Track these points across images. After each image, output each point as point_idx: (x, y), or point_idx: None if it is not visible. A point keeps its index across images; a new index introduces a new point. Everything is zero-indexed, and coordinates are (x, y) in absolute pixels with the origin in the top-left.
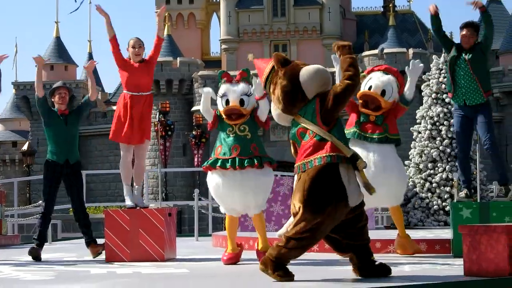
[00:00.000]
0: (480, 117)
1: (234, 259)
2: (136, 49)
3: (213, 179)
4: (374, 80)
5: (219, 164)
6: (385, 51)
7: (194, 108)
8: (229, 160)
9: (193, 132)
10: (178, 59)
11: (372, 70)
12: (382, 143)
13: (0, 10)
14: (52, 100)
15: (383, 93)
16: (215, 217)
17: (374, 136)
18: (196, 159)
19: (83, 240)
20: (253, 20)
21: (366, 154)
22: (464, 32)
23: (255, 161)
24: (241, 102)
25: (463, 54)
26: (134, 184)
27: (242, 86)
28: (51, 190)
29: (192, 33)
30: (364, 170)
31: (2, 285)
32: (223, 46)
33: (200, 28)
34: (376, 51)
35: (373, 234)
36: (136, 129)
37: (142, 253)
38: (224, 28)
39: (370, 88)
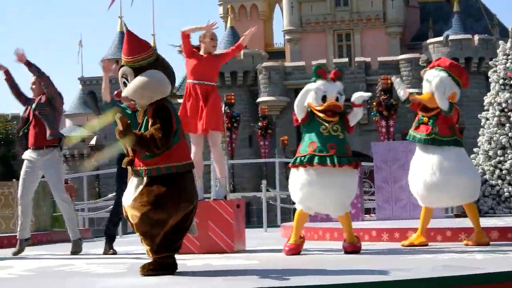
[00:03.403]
0: None
1: (295, 250)
2: (214, 41)
3: (304, 176)
4: (426, 79)
5: (316, 160)
6: (450, 38)
7: (259, 100)
8: (327, 157)
9: (259, 123)
10: (242, 51)
11: (432, 66)
12: (433, 144)
13: (65, 6)
14: (116, 98)
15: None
16: (284, 208)
17: (421, 136)
18: (262, 150)
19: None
20: (316, 10)
21: (427, 155)
22: None
23: (352, 161)
24: (336, 100)
25: None
26: (218, 175)
27: (339, 84)
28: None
29: (255, 25)
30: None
31: (75, 278)
32: (287, 37)
33: (262, 19)
34: (440, 39)
35: (443, 223)
36: (204, 117)
37: (212, 245)
38: (287, 19)
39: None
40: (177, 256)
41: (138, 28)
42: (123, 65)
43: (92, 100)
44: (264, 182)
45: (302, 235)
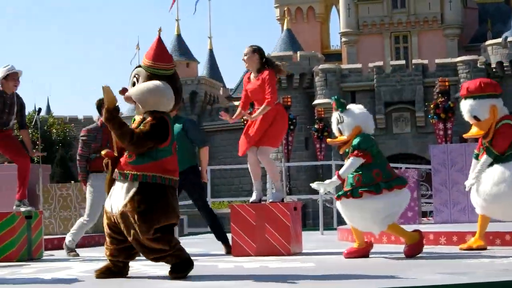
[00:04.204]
0: None
1: (354, 254)
2: (245, 57)
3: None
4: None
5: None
6: (508, 39)
7: (315, 102)
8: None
9: (315, 126)
10: (298, 53)
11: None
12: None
13: (123, 10)
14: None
15: (476, 118)
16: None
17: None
18: (318, 153)
19: (209, 235)
20: (373, 12)
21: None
22: None
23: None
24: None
25: None
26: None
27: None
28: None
29: (312, 27)
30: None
31: (133, 280)
32: (343, 39)
33: (319, 21)
34: (499, 40)
35: (502, 227)
36: (247, 135)
37: (268, 247)
38: (343, 21)
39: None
40: (234, 259)
41: (195, 31)
42: (140, 66)
43: None
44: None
45: (366, 240)
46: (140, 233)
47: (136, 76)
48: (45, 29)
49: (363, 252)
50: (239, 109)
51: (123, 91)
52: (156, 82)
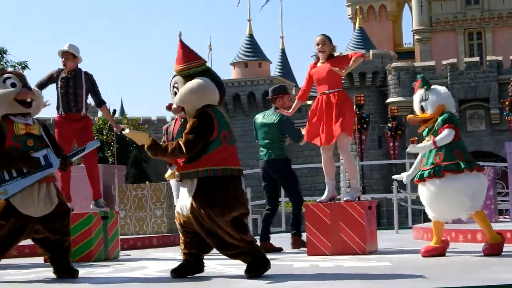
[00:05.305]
0: None
1: (432, 252)
2: (320, 46)
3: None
4: None
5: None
6: None
7: (388, 100)
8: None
9: (389, 124)
10: (371, 51)
11: None
12: None
13: (196, 11)
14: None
15: None
16: (414, 209)
17: None
18: (391, 151)
19: (284, 234)
20: (446, 8)
21: None
22: None
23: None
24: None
25: None
26: (349, 177)
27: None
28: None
29: (384, 25)
30: None
31: (209, 279)
32: (416, 37)
33: (391, 19)
34: None
35: None
36: (326, 128)
37: (343, 246)
38: (416, 18)
39: None
40: (309, 258)
41: (267, 31)
42: (174, 75)
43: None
44: (395, 183)
45: (444, 238)
46: (213, 227)
47: (175, 86)
48: (118, 30)
49: (440, 250)
50: (296, 101)
51: (169, 106)
52: (193, 81)
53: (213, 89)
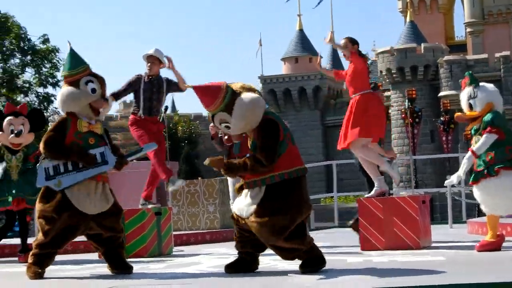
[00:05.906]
0: None
1: (487, 247)
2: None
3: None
4: None
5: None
6: None
7: (440, 94)
8: None
9: (441, 118)
10: (422, 45)
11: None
12: None
13: (246, 8)
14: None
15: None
16: (468, 203)
17: None
18: (444, 145)
19: (336, 229)
20: (498, 0)
21: None
22: None
23: None
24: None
25: None
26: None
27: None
28: None
29: (435, 18)
30: None
31: (262, 275)
32: (468, 30)
33: (442, 12)
34: None
35: None
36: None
37: (397, 241)
38: (468, 11)
39: None
40: (363, 252)
41: (317, 25)
42: (214, 115)
43: (273, 98)
44: (448, 177)
45: (499, 232)
46: (273, 237)
47: (221, 121)
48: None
49: (496, 245)
50: (332, 71)
51: (215, 134)
52: (241, 102)
53: (258, 97)
